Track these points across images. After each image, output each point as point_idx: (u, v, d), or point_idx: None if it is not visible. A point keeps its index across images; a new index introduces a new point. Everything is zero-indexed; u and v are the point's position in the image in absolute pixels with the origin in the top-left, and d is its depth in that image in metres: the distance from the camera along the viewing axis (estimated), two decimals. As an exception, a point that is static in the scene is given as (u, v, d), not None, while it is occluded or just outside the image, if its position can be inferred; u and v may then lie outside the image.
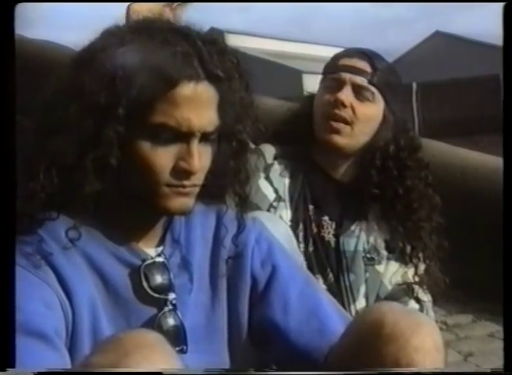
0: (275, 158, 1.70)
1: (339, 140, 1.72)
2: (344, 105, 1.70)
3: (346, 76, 1.73)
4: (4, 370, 1.01)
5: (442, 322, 3.40)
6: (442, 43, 22.00)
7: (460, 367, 2.90)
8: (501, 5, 1.15)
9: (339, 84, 1.73)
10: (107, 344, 0.98)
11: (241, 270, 1.25)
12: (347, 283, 1.67)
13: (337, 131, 1.71)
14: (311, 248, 1.61)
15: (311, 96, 1.83)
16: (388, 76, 1.76)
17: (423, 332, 1.07)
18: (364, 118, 1.73)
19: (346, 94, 1.71)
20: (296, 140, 1.76)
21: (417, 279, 1.77)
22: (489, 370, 1.18)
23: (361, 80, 1.72)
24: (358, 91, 1.72)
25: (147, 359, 0.94)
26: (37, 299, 1.07)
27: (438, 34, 23.39)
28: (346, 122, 1.71)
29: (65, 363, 1.06)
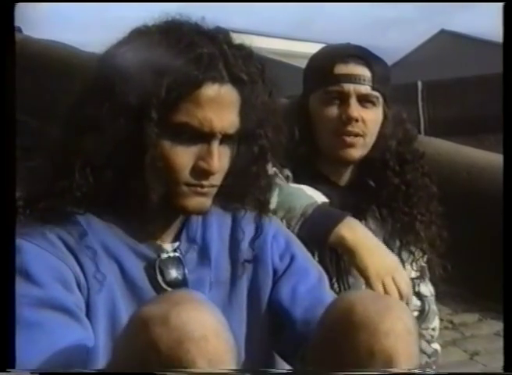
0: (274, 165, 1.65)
1: (353, 153, 1.68)
2: (356, 121, 1.66)
3: (350, 87, 1.66)
4: (4, 370, 1.03)
5: (448, 320, 3.40)
6: (448, 41, 21.94)
7: (466, 366, 2.90)
8: (501, 4, 1.15)
9: (344, 97, 1.67)
10: (157, 297, 1.02)
11: (263, 268, 1.27)
12: (346, 286, 1.65)
13: (351, 145, 1.67)
14: (316, 258, 1.59)
15: (298, 101, 1.77)
16: (383, 73, 1.71)
17: (392, 316, 1.06)
18: (372, 124, 1.69)
19: (356, 109, 1.66)
20: (297, 150, 1.70)
21: (417, 273, 1.76)
22: (500, 369, 1.16)
23: (365, 89, 1.67)
24: (363, 99, 1.67)
25: (198, 309, 0.96)
26: (58, 280, 1.11)
27: (443, 33, 23.35)
28: (358, 135, 1.68)
29: (90, 334, 1.10)
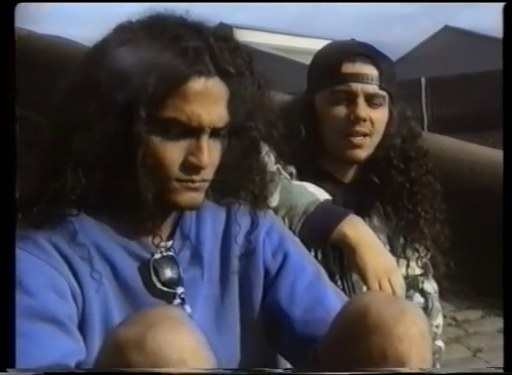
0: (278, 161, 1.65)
1: (360, 153, 1.68)
2: (364, 120, 1.66)
3: (358, 86, 1.65)
4: (4, 370, 1.02)
5: (452, 317, 3.39)
6: (452, 38, 21.86)
7: (468, 363, 2.89)
8: (501, 4, 1.14)
9: (352, 97, 1.66)
10: (133, 316, 1.00)
11: (254, 265, 1.25)
12: (350, 284, 1.65)
13: (358, 146, 1.67)
14: (319, 256, 1.59)
15: (303, 99, 1.76)
16: (389, 71, 1.70)
17: (407, 320, 1.05)
18: (379, 124, 1.69)
19: (364, 109, 1.65)
20: (301, 148, 1.69)
21: (421, 270, 1.76)
22: (499, 368, 1.16)
23: (373, 89, 1.66)
24: (371, 99, 1.67)
25: (174, 330, 0.95)
26: (51, 289, 1.09)
27: (447, 29, 23.28)
28: (366, 135, 1.67)
29: (80, 347, 1.08)
